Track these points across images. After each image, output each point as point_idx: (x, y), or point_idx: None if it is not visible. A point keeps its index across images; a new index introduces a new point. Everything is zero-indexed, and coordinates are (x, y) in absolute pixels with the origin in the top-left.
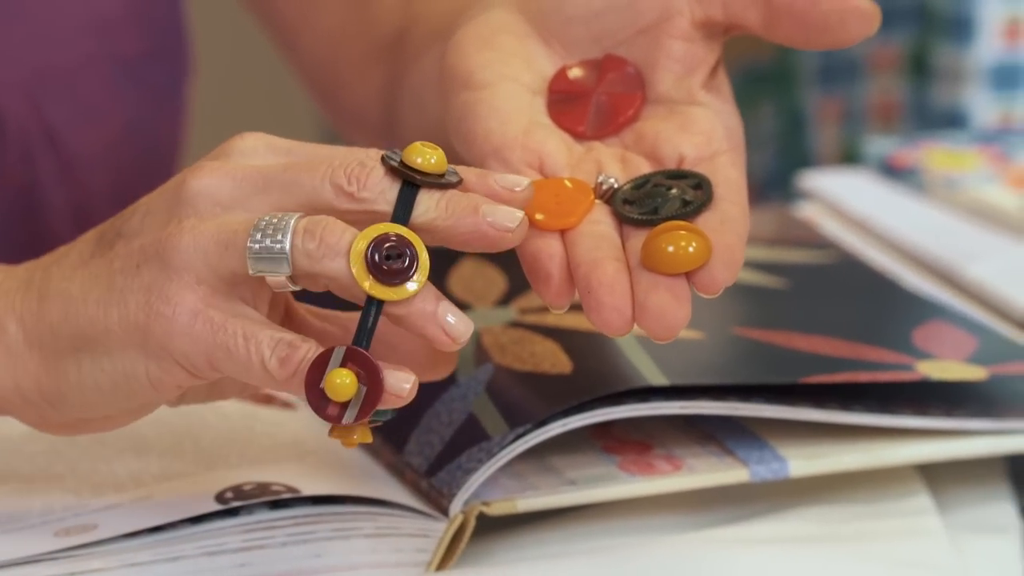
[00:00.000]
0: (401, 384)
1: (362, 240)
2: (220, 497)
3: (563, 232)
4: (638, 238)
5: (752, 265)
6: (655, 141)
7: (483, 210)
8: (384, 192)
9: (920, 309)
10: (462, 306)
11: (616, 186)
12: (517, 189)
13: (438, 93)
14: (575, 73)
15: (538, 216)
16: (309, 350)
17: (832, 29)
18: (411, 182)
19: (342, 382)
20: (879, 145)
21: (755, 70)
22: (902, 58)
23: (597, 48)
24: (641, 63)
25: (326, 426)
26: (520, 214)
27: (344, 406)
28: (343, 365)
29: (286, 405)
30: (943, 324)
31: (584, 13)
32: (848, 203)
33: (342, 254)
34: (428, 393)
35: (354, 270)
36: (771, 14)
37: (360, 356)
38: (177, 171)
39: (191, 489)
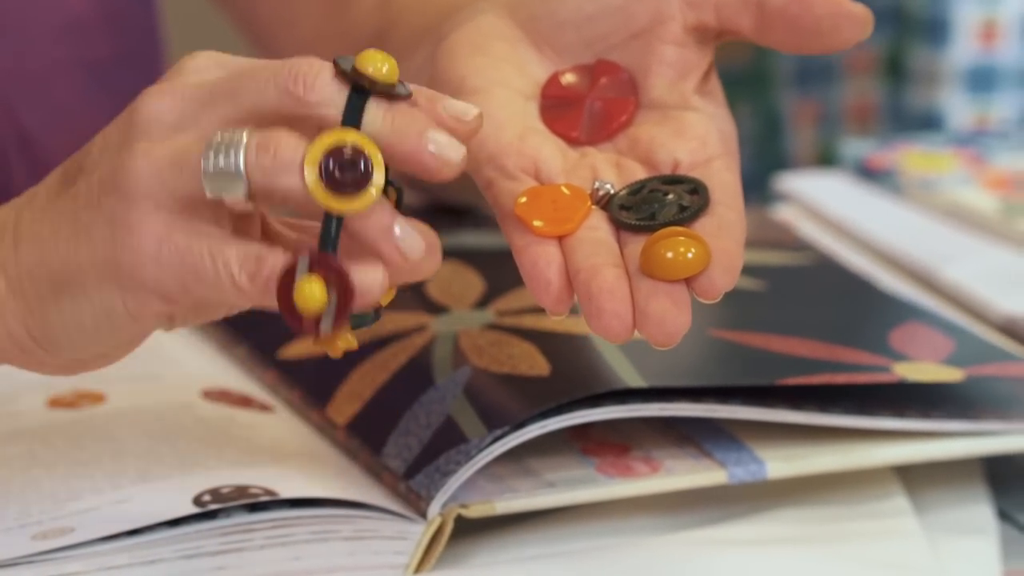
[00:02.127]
0: (370, 281)
1: (315, 149)
2: (198, 500)
3: (561, 238)
4: (636, 244)
5: None
6: (650, 146)
7: (428, 135)
8: (333, 97)
9: (897, 311)
10: (440, 308)
11: (612, 192)
12: (465, 118)
13: None
14: (568, 79)
15: (536, 223)
16: (277, 261)
17: (825, 34)
18: (360, 88)
19: (311, 293)
20: (855, 147)
21: (731, 72)
22: (878, 60)
23: (589, 53)
24: (633, 68)
25: (306, 430)
26: (463, 149)
27: (318, 318)
28: (310, 271)
29: (264, 408)
30: (920, 326)
31: (576, 17)
32: (825, 205)
33: (296, 168)
34: (406, 395)
35: (310, 184)
36: (764, 19)
37: (326, 260)
38: None
39: (168, 492)
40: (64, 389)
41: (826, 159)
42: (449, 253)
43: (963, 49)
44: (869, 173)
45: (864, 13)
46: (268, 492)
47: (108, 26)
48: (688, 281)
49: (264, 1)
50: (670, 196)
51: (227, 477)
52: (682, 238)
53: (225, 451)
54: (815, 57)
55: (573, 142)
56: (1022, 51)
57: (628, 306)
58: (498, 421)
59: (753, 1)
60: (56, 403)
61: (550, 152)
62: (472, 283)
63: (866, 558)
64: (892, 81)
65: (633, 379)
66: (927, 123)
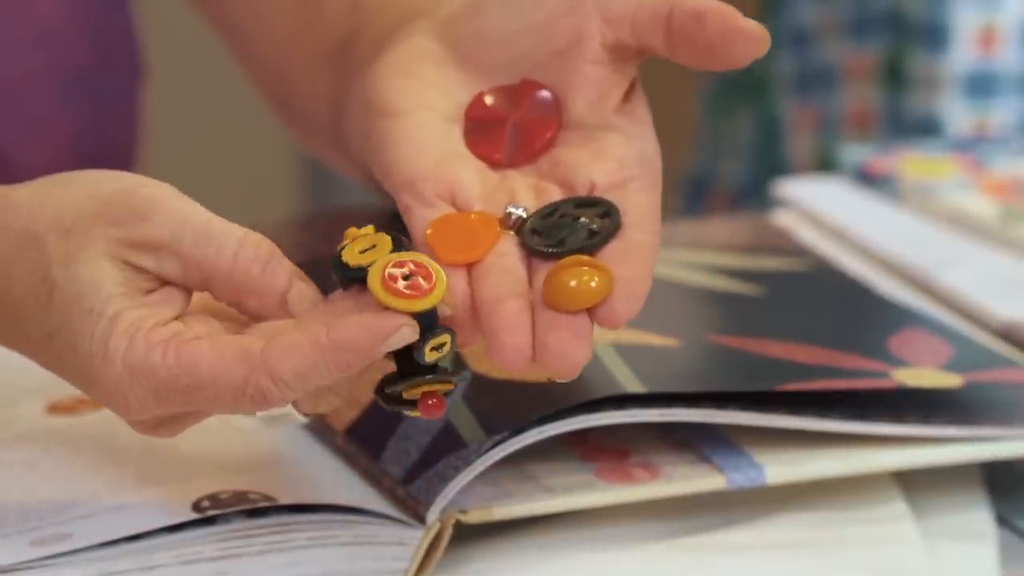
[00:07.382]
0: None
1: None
2: (197, 506)
3: (469, 267)
4: (544, 271)
5: (728, 272)
6: (569, 169)
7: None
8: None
9: (896, 316)
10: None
11: (524, 216)
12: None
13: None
14: (491, 100)
15: (443, 252)
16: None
17: (719, 51)
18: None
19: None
20: (855, 153)
21: (731, 78)
22: (877, 66)
23: (514, 72)
24: (556, 87)
25: (304, 435)
26: None
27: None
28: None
29: None
30: (919, 331)
31: (499, 36)
32: (824, 211)
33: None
34: None
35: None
36: (671, 36)
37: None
38: None
39: (167, 498)
40: (64, 395)
41: (825, 165)
42: None
43: (962, 55)
44: (868, 179)
45: (758, 31)
46: (267, 498)
47: (82, 32)
48: (590, 310)
49: (237, 1)
50: (581, 220)
51: (226, 483)
52: (585, 267)
53: (224, 457)
54: (814, 62)
55: (496, 164)
56: (1021, 57)
57: (527, 340)
58: (497, 426)
59: (662, 18)
60: (55, 409)
61: (469, 177)
62: None
63: (865, 563)
64: (891, 87)
65: (632, 384)
66: (926, 129)
